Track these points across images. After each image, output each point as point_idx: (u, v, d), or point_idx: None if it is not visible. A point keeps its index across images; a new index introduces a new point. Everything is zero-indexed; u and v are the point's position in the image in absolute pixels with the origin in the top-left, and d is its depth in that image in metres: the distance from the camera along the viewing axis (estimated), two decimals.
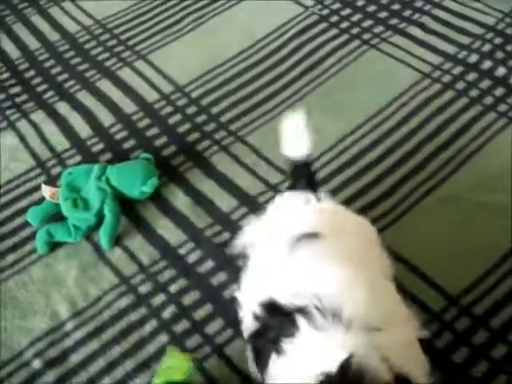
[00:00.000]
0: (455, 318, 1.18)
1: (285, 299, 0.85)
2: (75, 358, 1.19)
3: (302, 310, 0.82)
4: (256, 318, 0.90)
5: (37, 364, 1.19)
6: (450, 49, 1.70)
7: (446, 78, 1.62)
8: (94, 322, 1.23)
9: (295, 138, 1.11)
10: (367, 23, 1.80)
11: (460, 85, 1.60)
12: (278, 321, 0.85)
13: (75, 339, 1.21)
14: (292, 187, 1.16)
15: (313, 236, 0.93)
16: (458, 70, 1.64)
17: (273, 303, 0.87)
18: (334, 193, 1.39)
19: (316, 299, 0.82)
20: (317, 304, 0.81)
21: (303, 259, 0.91)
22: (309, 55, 1.72)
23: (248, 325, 0.93)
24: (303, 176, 1.13)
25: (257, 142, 1.53)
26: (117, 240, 1.36)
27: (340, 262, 0.88)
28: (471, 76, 1.62)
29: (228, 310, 1.21)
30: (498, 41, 1.70)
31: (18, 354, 1.20)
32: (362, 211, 1.34)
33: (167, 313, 1.24)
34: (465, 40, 1.72)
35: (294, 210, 1.04)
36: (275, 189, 1.42)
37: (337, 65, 1.69)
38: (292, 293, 0.85)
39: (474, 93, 1.58)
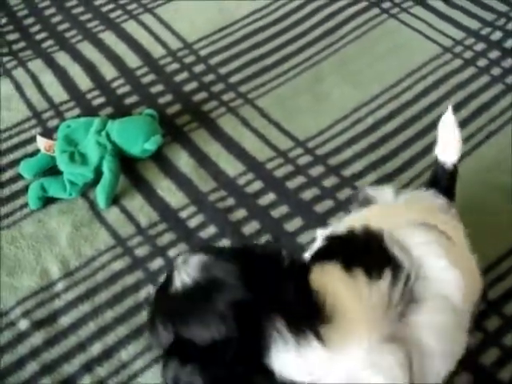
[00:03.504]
0: None
1: None
2: (65, 321, 1.13)
3: None
4: None
5: (23, 324, 1.12)
6: (473, 24, 1.63)
7: (468, 54, 1.56)
8: (87, 284, 1.17)
9: (448, 142, 1.05)
10: None
11: (482, 62, 1.54)
12: None
13: (66, 300, 1.15)
14: (428, 187, 1.06)
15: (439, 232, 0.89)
16: (480, 46, 1.58)
17: None
18: (345, 164, 1.34)
19: None
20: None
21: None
22: (325, 20, 1.65)
23: None
24: (444, 181, 1.05)
25: (267, 105, 1.46)
26: (114, 199, 1.29)
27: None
28: (494, 54, 1.56)
29: None
30: None
31: (4, 313, 1.14)
32: (375, 185, 1.28)
33: None
34: (488, 16, 1.65)
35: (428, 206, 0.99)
36: (284, 155, 1.36)
37: (354, 32, 1.62)
38: None
39: (495, 71, 1.52)
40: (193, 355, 0.69)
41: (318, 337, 0.69)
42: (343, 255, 0.81)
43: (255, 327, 0.68)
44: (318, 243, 0.97)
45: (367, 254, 0.83)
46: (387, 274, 0.79)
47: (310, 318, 0.70)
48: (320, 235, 1.04)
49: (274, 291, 0.70)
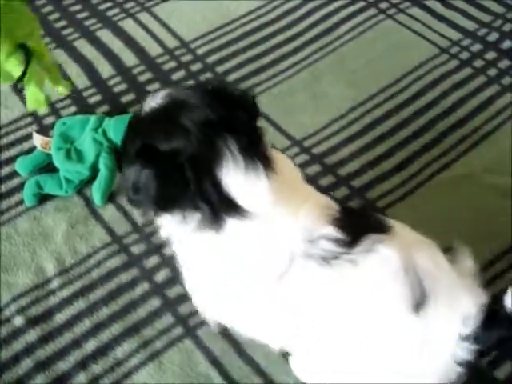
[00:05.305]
0: None
1: None
2: (60, 318, 1.12)
3: None
4: None
5: (18, 321, 1.12)
6: (470, 25, 1.64)
7: (464, 55, 1.56)
8: (82, 281, 1.17)
9: None
10: None
11: (478, 63, 1.55)
12: None
13: (61, 298, 1.15)
14: None
15: None
16: (476, 47, 1.58)
17: None
18: (342, 163, 1.34)
19: None
20: None
21: None
22: (323, 20, 1.66)
23: None
24: None
25: (264, 104, 1.41)
26: (110, 197, 1.29)
27: None
28: (490, 55, 1.57)
29: None
30: None
31: None
32: (371, 184, 1.30)
33: (160, 276, 1.18)
34: (485, 18, 1.66)
35: None
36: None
37: (351, 32, 1.62)
38: None
39: (492, 72, 1.52)
40: (154, 159, 0.76)
41: (267, 171, 0.79)
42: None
43: (210, 142, 0.76)
44: None
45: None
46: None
47: (261, 154, 0.80)
48: None
49: (230, 119, 0.78)
